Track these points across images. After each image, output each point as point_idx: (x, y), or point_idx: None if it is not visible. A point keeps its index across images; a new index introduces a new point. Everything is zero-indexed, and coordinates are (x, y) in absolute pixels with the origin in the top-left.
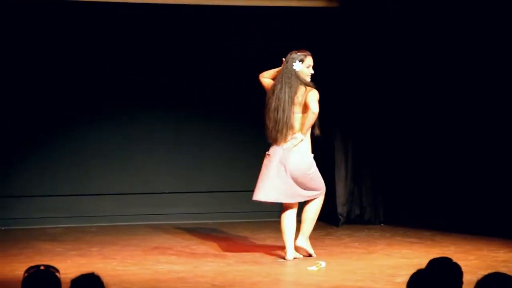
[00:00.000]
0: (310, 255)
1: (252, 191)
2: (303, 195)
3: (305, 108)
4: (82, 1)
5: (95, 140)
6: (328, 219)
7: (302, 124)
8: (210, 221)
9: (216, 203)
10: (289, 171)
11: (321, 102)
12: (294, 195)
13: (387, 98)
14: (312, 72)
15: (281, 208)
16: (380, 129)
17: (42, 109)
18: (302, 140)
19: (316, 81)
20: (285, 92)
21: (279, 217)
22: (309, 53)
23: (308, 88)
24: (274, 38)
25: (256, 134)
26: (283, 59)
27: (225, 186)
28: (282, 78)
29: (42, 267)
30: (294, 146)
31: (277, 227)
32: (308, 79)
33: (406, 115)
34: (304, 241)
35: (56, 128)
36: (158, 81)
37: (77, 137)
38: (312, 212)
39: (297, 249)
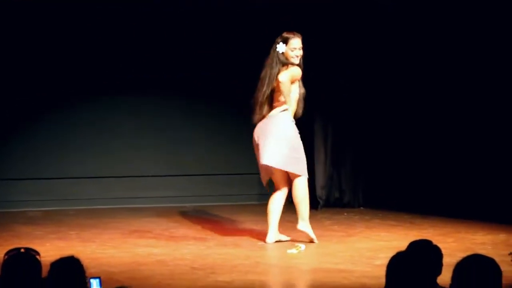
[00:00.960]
0: (311, 241)
1: (232, 174)
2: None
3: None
4: None
5: (76, 124)
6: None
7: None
8: (188, 205)
9: (196, 187)
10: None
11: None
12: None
13: (371, 87)
14: (298, 54)
15: (262, 191)
16: (359, 113)
17: (23, 92)
18: (285, 109)
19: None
20: (265, 73)
21: (258, 200)
22: (296, 35)
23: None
24: (263, 25)
25: (236, 118)
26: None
27: (204, 169)
28: (267, 61)
29: (22, 250)
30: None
31: (256, 210)
32: (294, 60)
33: (385, 99)
34: (304, 226)
35: (36, 112)
36: (139, 64)
37: (58, 120)
38: (298, 194)
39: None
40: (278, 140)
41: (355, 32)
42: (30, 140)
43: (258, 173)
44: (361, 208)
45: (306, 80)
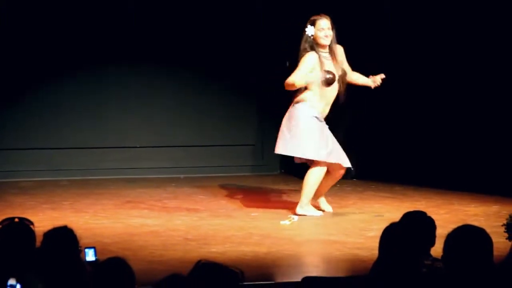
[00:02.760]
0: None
1: (225, 145)
2: None
3: None
4: None
5: (68, 94)
6: (301, 173)
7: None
8: (182, 176)
9: (189, 157)
10: None
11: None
12: None
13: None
14: (327, 34)
15: (255, 163)
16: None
17: (14, 63)
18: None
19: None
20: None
21: (251, 171)
22: (324, 16)
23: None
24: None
25: (231, 89)
26: None
27: (198, 140)
28: (301, 46)
29: (16, 220)
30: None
31: (249, 181)
32: (323, 41)
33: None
34: (299, 210)
35: (28, 82)
36: (132, 34)
37: (50, 90)
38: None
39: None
40: (283, 129)
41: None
42: (22, 111)
43: (252, 145)
44: (354, 179)
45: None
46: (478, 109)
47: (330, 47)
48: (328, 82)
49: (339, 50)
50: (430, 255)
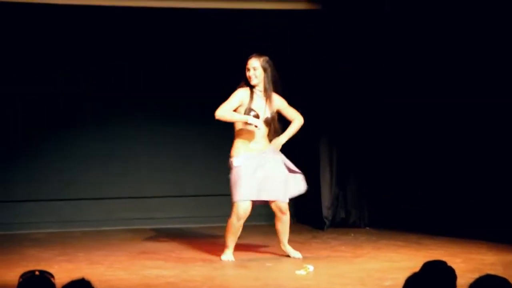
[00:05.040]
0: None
1: None
2: None
3: None
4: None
5: (80, 146)
6: (314, 222)
7: None
8: (196, 225)
9: (201, 207)
10: None
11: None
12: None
13: (370, 102)
14: (250, 75)
15: (269, 212)
16: (365, 133)
17: (28, 114)
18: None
19: (301, 85)
20: None
21: (265, 221)
22: (254, 56)
23: None
24: (256, 42)
25: None
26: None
27: (210, 190)
28: None
29: (37, 273)
30: None
31: (263, 230)
32: (250, 80)
33: (390, 119)
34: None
35: (41, 134)
36: (145, 86)
37: (62, 142)
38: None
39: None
40: None
41: (349, 40)
42: (34, 162)
43: None
44: (367, 228)
45: (309, 100)
46: (494, 158)
47: (264, 87)
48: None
49: (275, 98)
50: None
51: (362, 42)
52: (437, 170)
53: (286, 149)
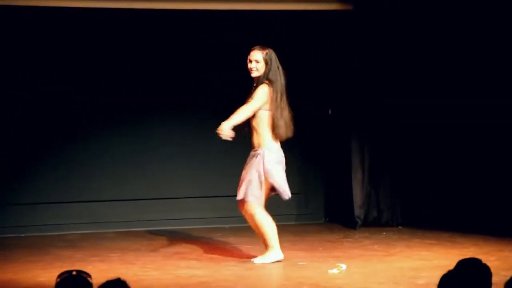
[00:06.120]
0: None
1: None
2: None
3: None
4: (80, 8)
5: (111, 147)
6: (346, 221)
7: None
8: (227, 226)
9: (233, 207)
10: None
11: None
12: None
13: (403, 100)
14: (251, 67)
15: (300, 212)
16: (397, 130)
17: (58, 117)
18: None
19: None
20: None
21: (296, 220)
22: (256, 47)
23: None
24: (287, 42)
25: None
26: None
27: None
28: None
29: (74, 273)
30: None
31: (293, 230)
32: (251, 73)
33: (423, 116)
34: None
35: (72, 135)
36: (172, 87)
37: (93, 143)
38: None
39: None
40: None
41: (380, 40)
42: (66, 164)
43: (296, 193)
44: (399, 227)
45: (341, 99)
46: None
47: (260, 80)
48: None
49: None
50: None
51: (394, 41)
52: (470, 168)
53: (318, 148)
